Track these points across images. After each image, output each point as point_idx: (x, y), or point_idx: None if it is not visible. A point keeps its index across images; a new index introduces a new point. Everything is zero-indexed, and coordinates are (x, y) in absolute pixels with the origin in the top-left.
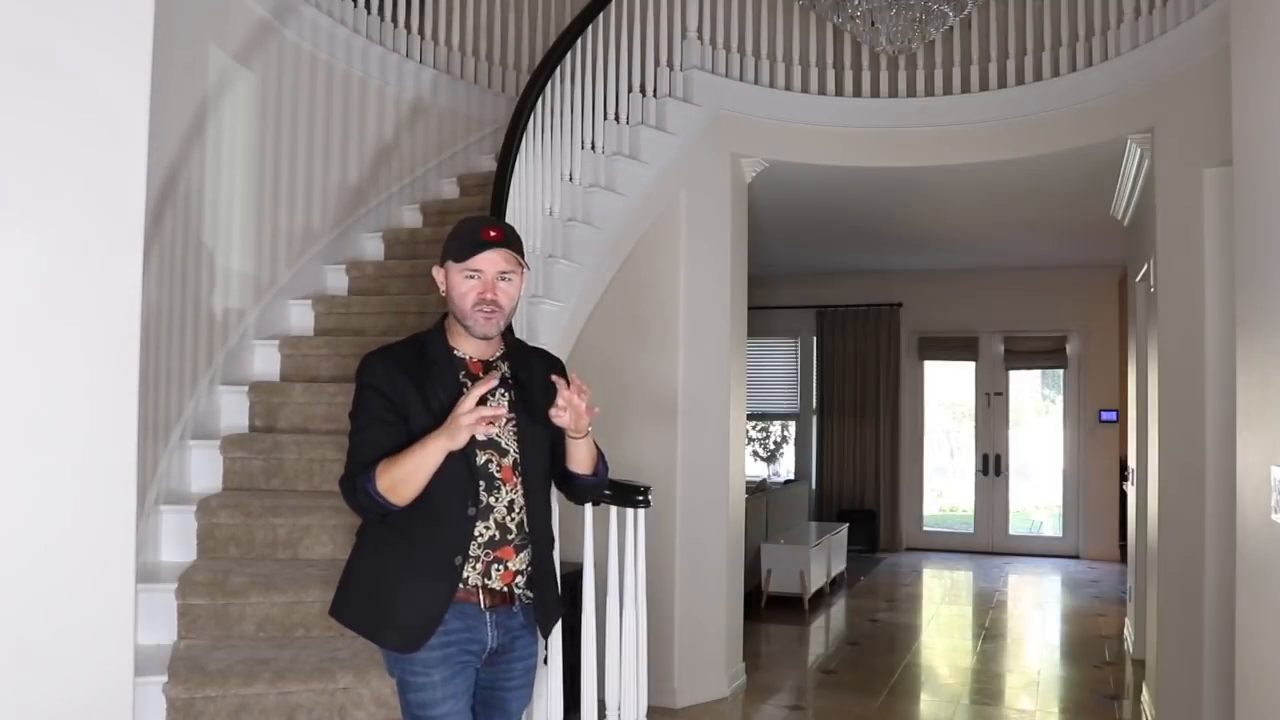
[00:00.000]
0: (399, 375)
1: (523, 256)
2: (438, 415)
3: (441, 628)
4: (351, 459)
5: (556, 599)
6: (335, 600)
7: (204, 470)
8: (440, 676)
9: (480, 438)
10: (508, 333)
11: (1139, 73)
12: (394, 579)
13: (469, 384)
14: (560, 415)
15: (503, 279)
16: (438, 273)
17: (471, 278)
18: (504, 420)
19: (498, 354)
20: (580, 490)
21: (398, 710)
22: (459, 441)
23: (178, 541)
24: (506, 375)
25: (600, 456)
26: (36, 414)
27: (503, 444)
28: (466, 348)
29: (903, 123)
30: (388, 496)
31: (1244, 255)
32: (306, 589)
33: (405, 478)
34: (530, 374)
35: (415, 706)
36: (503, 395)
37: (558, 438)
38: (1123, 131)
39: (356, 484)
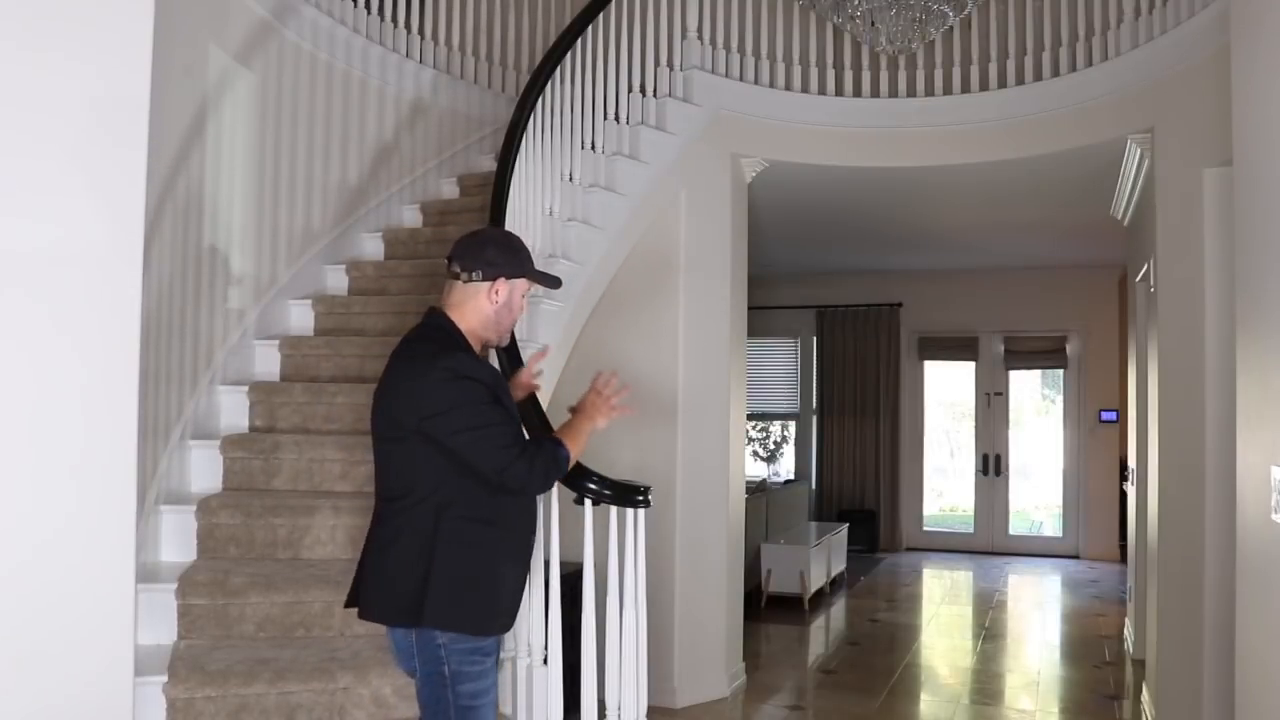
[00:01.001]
0: (489, 367)
1: None
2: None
3: None
4: (512, 436)
5: None
6: (427, 607)
7: (204, 470)
8: (492, 662)
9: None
10: None
11: (1139, 73)
12: (498, 569)
13: None
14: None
15: None
16: (503, 285)
17: (523, 297)
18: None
19: None
20: None
21: (397, 710)
22: (606, 423)
23: (178, 541)
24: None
25: None
26: (36, 414)
27: None
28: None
29: (903, 123)
30: (569, 466)
31: (1244, 255)
32: (306, 589)
33: (581, 451)
34: None
35: (467, 696)
36: None
37: None
38: (1123, 131)
39: (548, 453)
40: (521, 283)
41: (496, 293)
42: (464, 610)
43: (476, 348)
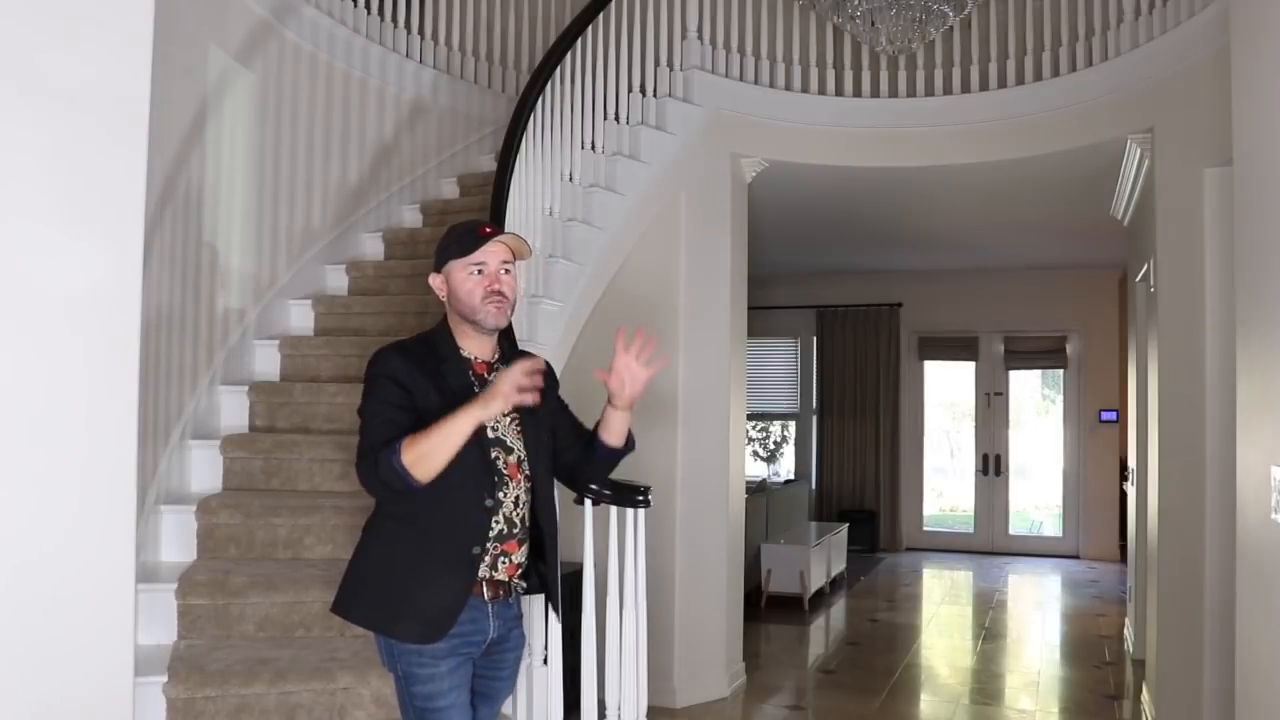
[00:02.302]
0: (416, 371)
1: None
2: (453, 409)
3: None
4: (368, 439)
5: (557, 581)
6: (341, 598)
7: (204, 470)
8: (447, 667)
9: (500, 418)
10: (505, 335)
11: (1139, 73)
12: (411, 572)
13: (478, 385)
14: (611, 378)
15: (505, 270)
16: (436, 279)
17: (477, 272)
18: (530, 400)
19: (495, 356)
20: (600, 464)
21: (397, 711)
22: (492, 411)
23: (178, 541)
24: None
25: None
26: (37, 414)
27: (508, 442)
28: (471, 348)
29: (903, 123)
30: (411, 470)
31: (1244, 255)
32: (306, 589)
33: (432, 450)
34: None
35: (421, 698)
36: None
37: (559, 433)
38: (1123, 131)
39: (379, 459)
40: (455, 265)
41: (441, 288)
42: (363, 606)
43: (471, 342)
